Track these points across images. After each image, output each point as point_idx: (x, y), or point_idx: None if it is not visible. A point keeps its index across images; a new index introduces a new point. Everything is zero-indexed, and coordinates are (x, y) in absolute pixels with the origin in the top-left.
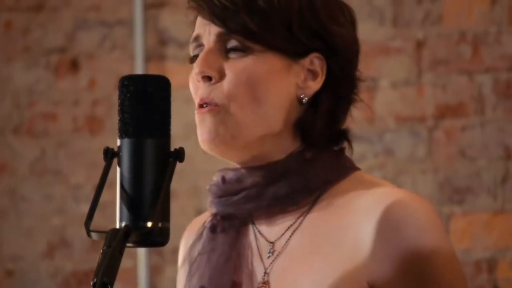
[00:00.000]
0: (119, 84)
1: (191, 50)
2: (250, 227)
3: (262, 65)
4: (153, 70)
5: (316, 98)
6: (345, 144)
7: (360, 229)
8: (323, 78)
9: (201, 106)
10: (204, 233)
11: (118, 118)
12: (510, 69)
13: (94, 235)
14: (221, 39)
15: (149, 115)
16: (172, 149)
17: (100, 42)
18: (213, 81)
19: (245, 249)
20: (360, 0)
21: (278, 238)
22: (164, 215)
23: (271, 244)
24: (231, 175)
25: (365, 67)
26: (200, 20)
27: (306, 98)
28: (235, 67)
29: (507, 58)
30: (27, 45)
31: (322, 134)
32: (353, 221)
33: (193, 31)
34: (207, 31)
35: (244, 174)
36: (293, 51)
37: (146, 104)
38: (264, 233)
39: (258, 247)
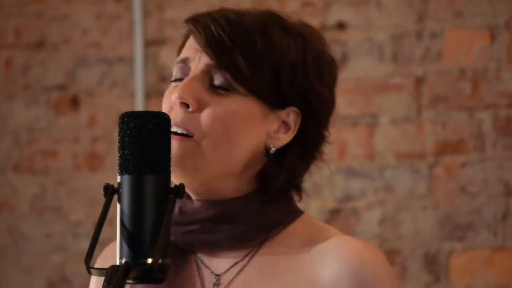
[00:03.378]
0: (119, 121)
1: (176, 70)
2: (192, 257)
3: (242, 108)
4: (153, 107)
5: (282, 151)
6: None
7: (316, 272)
8: (295, 133)
9: (173, 132)
10: None
11: (118, 155)
12: (510, 105)
13: (94, 272)
14: (209, 71)
15: (149, 152)
16: (172, 185)
17: (100, 79)
18: (190, 109)
19: (189, 278)
20: (360, 37)
21: (224, 272)
22: (164, 252)
23: (217, 277)
24: (189, 207)
25: (365, 103)
26: (192, 43)
27: (274, 149)
28: (216, 104)
29: (507, 95)
30: (27, 82)
31: (282, 186)
32: (307, 263)
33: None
34: (197, 57)
35: (199, 207)
36: (274, 102)
37: (146, 141)
38: (208, 264)
39: (200, 277)
